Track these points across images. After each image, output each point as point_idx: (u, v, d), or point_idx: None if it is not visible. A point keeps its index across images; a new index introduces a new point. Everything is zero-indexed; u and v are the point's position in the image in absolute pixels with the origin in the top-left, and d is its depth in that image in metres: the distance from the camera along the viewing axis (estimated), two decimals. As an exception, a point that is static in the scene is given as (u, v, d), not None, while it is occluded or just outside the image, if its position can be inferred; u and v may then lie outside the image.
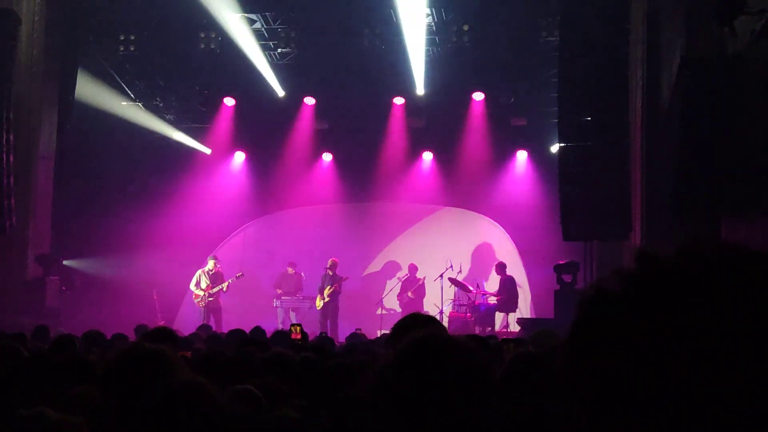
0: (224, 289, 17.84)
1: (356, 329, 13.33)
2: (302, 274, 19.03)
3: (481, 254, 19.64)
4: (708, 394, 0.78)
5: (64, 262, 18.03)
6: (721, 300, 0.81)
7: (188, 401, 2.38)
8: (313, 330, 16.19)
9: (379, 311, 18.82)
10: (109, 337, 8.92)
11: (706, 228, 9.21)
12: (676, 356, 0.80)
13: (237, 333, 8.61)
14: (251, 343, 6.45)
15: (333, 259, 18.35)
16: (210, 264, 18.12)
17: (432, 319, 3.66)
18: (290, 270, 18.99)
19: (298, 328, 7.94)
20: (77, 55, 18.16)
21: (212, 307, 17.79)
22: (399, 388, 2.30)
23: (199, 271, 18.11)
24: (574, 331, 0.90)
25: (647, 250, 0.89)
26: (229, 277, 17.98)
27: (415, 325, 3.39)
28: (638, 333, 0.82)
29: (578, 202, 13.63)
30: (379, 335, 12.65)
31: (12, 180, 14.76)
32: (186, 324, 17.05)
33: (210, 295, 17.74)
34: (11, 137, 14.76)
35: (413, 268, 18.90)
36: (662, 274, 0.85)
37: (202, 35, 18.09)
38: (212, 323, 17.19)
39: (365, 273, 19.81)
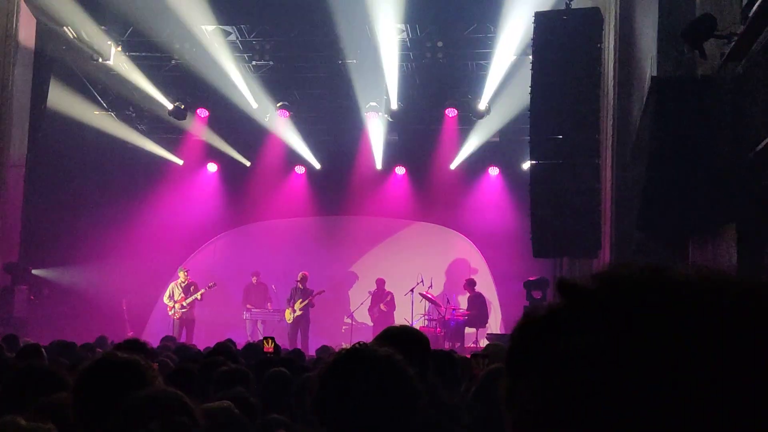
0: (199, 298, 17.75)
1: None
2: (273, 286, 18.99)
3: (453, 269, 19.71)
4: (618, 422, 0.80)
5: (33, 271, 17.86)
6: (634, 327, 0.82)
7: (165, 411, 2.39)
8: (282, 343, 16.16)
9: (348, 324, 18.83)
10: (77, 346, 8.87)
11: (673, 247, 9.32)
12: (589, 382, 0.81)
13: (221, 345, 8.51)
14: (219, 354, 6.44)
15: (303, 272, 18.32)
16: (181, 276, 18.04)
17: (412, 331, 3.66)
18: (254, 279, 18.97)
19: (270, 341, 7.92)
20: (50, 64, 18.07)
21: (186, 319, 17.70)
22: (323, 402, 2.33)
23: (172, 284, 18.04)
24: (506, 359, 0.92)
25: (566, 278, 0.90)
26: (201, 287, 17.90)
27: (394, 338, 3.42)
28: (555, 359, 0.84)
29: (549, 219, 13.71)
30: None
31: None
32: (155, 335, 16.92)
33: (183, 306, 17.65)
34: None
35: (381, 282, 18.93)
36: (579, 302, 0.86)
37: (176, 46, 18.05)
38: (184, 335, 17.13)
39: (335, 286, 19.79)
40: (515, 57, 17.02)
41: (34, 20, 17.20)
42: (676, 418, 0.78)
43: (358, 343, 2.51)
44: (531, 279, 15.33)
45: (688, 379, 0.79)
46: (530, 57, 14.50)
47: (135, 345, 5.40)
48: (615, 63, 13.55)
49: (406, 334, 3.48)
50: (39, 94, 17.89)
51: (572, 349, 0.83)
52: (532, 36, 14.22)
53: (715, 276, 0.86)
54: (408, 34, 17.34)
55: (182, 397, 2.51)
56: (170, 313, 17.74)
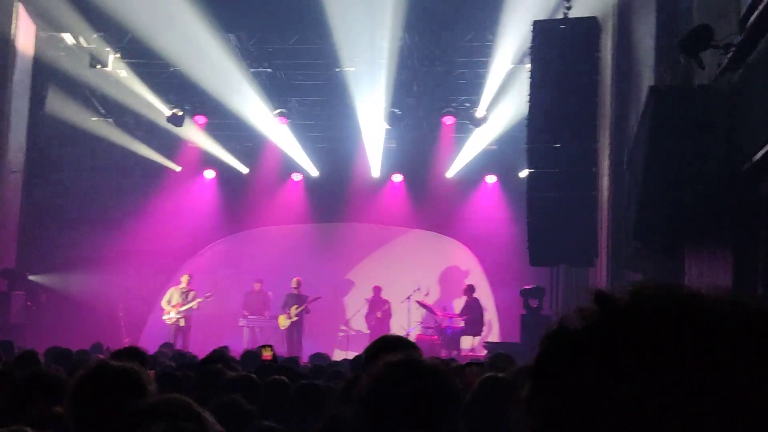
0: (194, 306, 17.74)
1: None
2: (270, 293, 18.97)
3: (450, 277, 19.71)
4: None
5: (30, 277, 17.85)
6: (673, 342, 0.85)
7: (171, 418, 2.39)
8: (278, 350, 16.15)
9: (344, 332, 18.85)
10: (73, 352, 8.87)
11: (669, 256, 9.34)
12: (627, 396, 0.84)
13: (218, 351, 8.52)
14: (216, 362, 6.43)
15: (297, 278, 18.31)
16: (183, 281, 18.02)
17: (406, 341, 3.70)
18: (257, 286, 18.94)
19: (269, 349, 7.92)
20: (48, 71, 18.09)
21: (181, 326, 17.66)
22: (376, 410, 2.36)
23: (172, 289, 18.02)
24: (536, 364, 0.94)
25: (604, 291, 0.93)
26: (200, 296, 17.88)
27: (390, 347, 3.45)
28: (592, 371, 0.87)
29: (545, 227, 13.73)
30: (351, 357, 12.65)
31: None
32: (152, 341, 16.92)
33: (180, 313, 17.63)
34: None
35: (377, 290, 18.94)
36: (618, 315, 0.89)
37: (175, 53, 18.05)
38: (179, 341, 17.10)
39: (332, 294, 19.77)
40: (513, 65, 17.05)
41: (33, 26, 17.22)
42: None
43: (409, 353, 2.56)
44: (527, 287, 15.34)
45: (717, 403, 0.83)
46: (528, 65, 14.55)
47: (132, 353, 5.40)
48: (613, 72, 13.61)
49: (400, 344, 3.50)
50: (37, 100, 17.91)
51: (605, 367, 0.86)
52: (530, 44, 14.27)
53: (739, 301, 0.89)
54: (406, 42, 17.37)
55: (191, 404, 2.52)
56: (165, 317, 17.71)
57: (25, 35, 17.20)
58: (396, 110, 18.87)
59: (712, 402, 0.83)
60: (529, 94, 14.22)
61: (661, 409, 0.84)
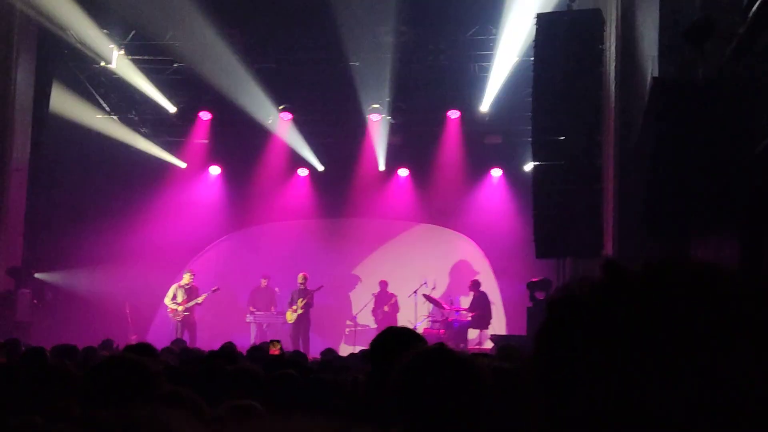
0: (199, 302, 17.76)
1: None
2: (276, 289, 18.99)
3: (456, 271, 19.71)
4: (667, 401, 0.83)
5: (36, 275, 17.88)
6: (682, 309, 0.86)
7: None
8: (285, 345, 16.16)
9: (351, 327, 18.87)
10: (80, 349, 8.88)
11: (676, 246, 9.32)
12: (635, 362, 0.85)
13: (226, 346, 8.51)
14: (222, 357, 6.45)
15: (303, 273, 18.32)
16: (186, 278, 18.04)
17: (413, 333, 3.71)
18: (264, 282, 18.96)
19: (277, 345, 7.94)
20: (52, 68, 18.11)
21: (187, 322, 17.68)
22: (409, 399, 2.37)
23: (175, 286, 18.03)
24: (541, 329, 0.94)
25: (613, 260, 0.93)
26: (204, 291, 17.91)
27: (396, 338, 3.46)
28: (602, 338, 0.87)
29: (551, 219, 13.72)
30: (357, 351, 12.66)
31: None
32: (159, 339, 16.95)
33: (185, 309, 17.65)
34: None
35: (384, 284, 18.94)
36: (627, 283, 0.90)
37: (179, 49, 18.06)
38: (186, 338, 17.11)
39: (338, 289, 19.78)
40: (517, 58, 17.02)
41: (36, 24, 17.22)
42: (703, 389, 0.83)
43: (440, 343, 2.59)
44: (534, 280, 15.35)
45: (722, 366, 0.83)
46: (532, 58, 14.53)
47: (143, 349, 5.41)
48: (617, 64, 13.57)
49: (407, 336, 3.51)
50: (41, 98, 17.92)
51: (612, 324, 0.87)
52: (533, 38, 14.24)
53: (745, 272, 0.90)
54: (410, 36, 17.34)
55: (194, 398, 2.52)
56: (171, 315, 17.73)
57: (27, 33, 17.21)
58: (401, 104, 18.84)
59: (717, 365, 0.83)
60: (533, 87, 14.20)
61: (665, 373, 0.84)
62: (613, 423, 0.85)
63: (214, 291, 17.88)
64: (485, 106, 18.51)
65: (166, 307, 17.90)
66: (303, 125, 19.81)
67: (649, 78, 10.03)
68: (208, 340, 16.17)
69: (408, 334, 3.55)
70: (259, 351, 8.53)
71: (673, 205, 7.90)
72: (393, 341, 3.46)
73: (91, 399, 3.01)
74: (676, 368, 0.84)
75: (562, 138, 13.64)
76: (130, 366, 3.03)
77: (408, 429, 2.36)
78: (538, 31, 13.99)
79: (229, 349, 7.78)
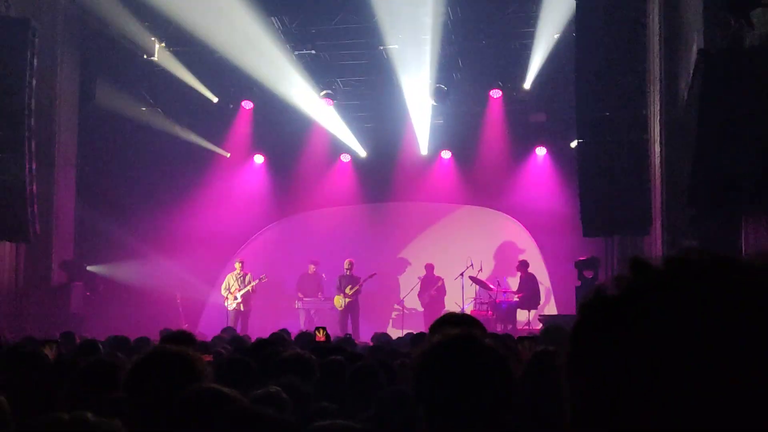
0: (251, 290, 17.92)
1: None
2: (323, 275, 19.08)
3: (503, 252, 19.61)
4: (696, 396, 0.84)
5: (88, 268, 18.18)
6: (708, 305, 0.86)
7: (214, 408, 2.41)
8: (334, 331, 16.27)
9: (398, 310, 18.91)
10: (132, 340, 9.01)
11: (725, 221, 9.17)
12: (665, 359, 0.85)
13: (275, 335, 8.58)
14: (271, 345, 6.49)
15: (349, 260, 18.38)
16: (237, 267, 18.22)
17: (471, 319, 3.65)
18: (312, 268, 19.05)
19: (322, 331, 7.99)
20: (96, 63, 18.33)
21: (240, 311, 17.85)
22: (425, 387, 2.36)
23: (229, 275, 18.23)
24: (574, 332, 0.95)
25: (640, 258, 0.94)
26: (254, 278, 18.07)
27: (453, 324, 3.42)
28: (631, 336, 0.88)
29: (598, 197, 13.60)
30: (403, 335, 12.68)
31: (35, 188, 14.91)
32: (210, 327, 17.17)
33: (236, 298, 17.82)
34: (33, 145, 14.90)
35: (430, 267, 18.93)
36: (654, 280, 0.90)
37: (219, 39, 18.14)
38: (239, 325, 17.30)
39: (384, 273, 19.79)
40: (558, 35, 16.83)
41: (79, 21, 17.43)
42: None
43: (465, 330, 2.55)
44: (582, 258, 15.23)
45: (753, 364, 0.84)
46: (574, 34, 14.36)
47: (183, 337, 5.45)
48: (660, 37, 13.35)
49: (465, 321, 3.47)
50: (86, 93, 18.16)
51: (639, 332, 0.88)
52: (574, 12, 14.08)
53: None
54: (449, 16, 17.23)
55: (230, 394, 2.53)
56: (226, 304, 17.93)
57: (71, 29, 17.43)
58: (442, 86, 18.75)
59: (747, 363, 0.83)
60: (576, 63, 14.05)
61: (696, 372, 0.84)
62: (642, 424, 0.86)
63: (261, 280, 18.04)
64: (528, 84, 18.34)
65: (220, 296, 18.11)
66: (344, 111, 19.81)
67: (694, 50, 9.85)
68: (258, 328, 16.33)
69: (467, 320, 3.50)
70: (306, 337, 8.59)
71: (721, 179, 7.77)
72: (450, 327, 3.40)
73: (133, 393, 3.04)
74: (706, 369, 0.84)
75: (607, 114, 13.49)
76: (174, 358, 3.05)
77: (427, 417, 2.34)
78: (578, 5, 13.83)
79: (279, 336, 7.84)
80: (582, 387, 0.92)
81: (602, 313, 0.92)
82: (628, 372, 0.87)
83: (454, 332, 2.48)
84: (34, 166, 14.90)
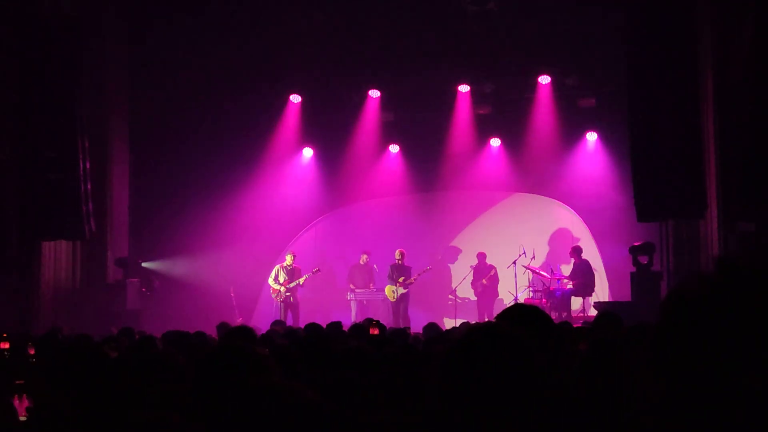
0: (300, 283, 18.02)
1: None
2: (374, 266, 19.10)
3: (556, 239, 19.43)
4: None
5: (143, 264, 18.43)
6: None
7: (281, 403, 2.40)
8: (387, 322, 16.28)
9: (452, 300, 18.86)
10: (191, 335, 9.08)
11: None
12: (754, 356, 0.86)
13: (313, 327, 8.63)
14: (327, 337, 6.51)
15: (400, 250, 18.40)
16: (288, 259, 18.31)
17: (536, 310, 3.55)
18: (364, 258, 19.07)
19: (375, 324, 8.00)
20: (144, 62, 18.56)
21: (290, 303, 17.97)
22: (448, 376, 2.32)
23: (277, 266, 18.33)
24: (660, 330, 0.92)
25: (727, 257, 0.95)
26: (305, 272, 18.15)
27: (520, 317, 3.36)
28: (719, 333, 0.89)
29: (651, 181, 13.42)
30: (458, 324, 12.64)
31: (90, 186, 15.14)
32: (264, 320, 17.29)
33: (287, 290, 17.93)
34: (86, 143, 15.13)
35: (482, 256, 18.84)
36: (741, 280, 0.91)
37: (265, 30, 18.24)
38: (290, 318, 17.41)
39: (436, 262, 19.76)
40: (606, 16, 16.59)
41: (126, 25, 17.62)
42: None
43: (493, 320, 2.51)
44: (636, 244, 15.03)
45: None
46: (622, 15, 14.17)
47: (243, 332, 5.48)
48: (711, 15, 13.13)
49: (531, 313, 3.40)
50: (136, 92, 18.39)
51: (729, 323, 0.89)
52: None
53: None
54: (494, 4, 17.10)
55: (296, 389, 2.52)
56: (273, 296, 18.04)
57: (117, 24, 17.64)
58: (489, 73, 18.62)
59: None
60: (626, 45, 13.87)
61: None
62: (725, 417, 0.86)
63: (315, 272, 18.12)
64: (576, 68, 18.12)
65: (270, 287, 18.22)
66: (391, 101, 19.78)
67: (748, 26, 9.66)
68: (309, 320, 16.38)
69: (533, 312, 3.42)
70: (360, 329, 8.59)
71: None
72: (517, 319, 3.34)
73: (200, 387, 3.05)
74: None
75: (658, 95, 13.29)
76: (241, 354, 3.05)
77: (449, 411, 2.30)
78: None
79: (335, 327, 7.86)
80: (670, 382, 0.91)
81: (687, 311, 0.93)
82: (717, 368, 0.87)
83: (479, 324, 2.44)
84: (87, 165, 15.13)
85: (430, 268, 18.20)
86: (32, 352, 8.01)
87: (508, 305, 13.24)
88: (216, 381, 2.97)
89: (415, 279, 18.08)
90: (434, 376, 2.35)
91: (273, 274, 18.21)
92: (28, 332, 12.15)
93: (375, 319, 10.25)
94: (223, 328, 11.11)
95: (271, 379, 2.70)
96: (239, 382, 2.72)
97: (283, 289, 17.93)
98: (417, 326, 14.78)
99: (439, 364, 2.34)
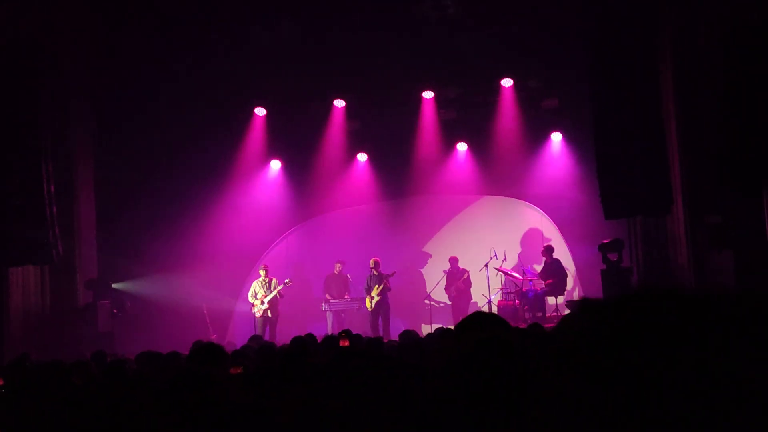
0: (278, 295, 17.90)
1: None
2: (348, 275, 19.07)
3: (526, 240, 19.51)
4: None
5: (113, 286, 18.25)
6: (648, 342, 0.90)
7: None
8: (365, 330, 16.25)
9: (427, 304, 18.88)
10: (163, 356, 9.01)
11: (749, 195, 9.08)
12: (607, 393, 0.89)
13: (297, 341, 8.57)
14: (296, 352, 6.46)
15: (375, 258, 18.39)
16: (262, 273, 18.23)
17: (496, 318, 3.59)
18: (338, 267, 19.04)
19: (345, 335, 7.98)
20: (108, 79, 18.42)
21: (269, 316, 17.86)
22: (454, 386, 2.33)
23: (254, 282, 18.24)
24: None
25: (589, 300, 1.02)
26: (279, 284, 18.06)
27: (479, 324, 3.37)
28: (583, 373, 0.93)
29: (617, 179, 13.51)
30: (432, 330, 12.65)
31: (55, 209, 14.99)
32: (239, 335, 17.22)
33: (266, 304, 17.82)
34: (50, 167, 14.99)
35: (454, 260, 18.89)
36: (599, 321, 0.96)
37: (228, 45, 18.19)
38: (267, 332, 17.33)
39: (409, 268, 19.77)
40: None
41: (86, 33, 17.49)
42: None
43: (493, 331, 2.52)
44: (605, 241, 15.13)
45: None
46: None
47: (212, 352, 5.43)
48: (671, 10, 13.25)
49: (489, 322, 3.42)
50: (99, 108, 18.26)
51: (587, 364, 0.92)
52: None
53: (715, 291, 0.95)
54: (454, 9, 17.15)
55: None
56: (254, 311, 17.92)
57: (76, 44, 17.51)
58: (451, 78, 18.68)
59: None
60: (586, 45, 13.96)
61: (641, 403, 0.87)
62: None
63: (286, 284, 18.03)
64: (538, 70, 18.21)
65: (247, 304, 18.14)
66: (357, 109, 19.77)
67: (709, 24, 9.75)
68: (286, 333, 16.33)
69: (491, 320, 3.44)
70: (331, 341, 8.56)
71: (748, 151, 7.69)
72: (478, 327, 3.35)
73: (165, 415, 3.02)
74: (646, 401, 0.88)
75: (620, 93, 13.39)
76: (197, 380, 3.03)
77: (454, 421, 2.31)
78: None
79: (300, 343, 7.81)
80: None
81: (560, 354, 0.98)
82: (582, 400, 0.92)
83: (479, 336, 2.45)
84: (52, 188, 14.98)
85: (395, 273, 18.16)
86: (0, 382, 7.89)
87: (482, 308, 13.30)
88: (176, 408, 2.94)
89: (385, 285, 18.02)
90: (441, 387, 2.38)
91: (251, 291, 18.12)
92: (-1, 361, 12.01)
93: (351, 329, 10.25)
94: (197, 346, 11.04)
95: (230, 404, 2.68)
96: (198, 408, 2.70)
97: (259, 303, 17.82)
98: (396, 333, 14.79)
99: (448, 376, 2.36)
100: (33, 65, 14.87)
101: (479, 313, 3.73)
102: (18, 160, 14.67)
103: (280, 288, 17.95)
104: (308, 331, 11.52)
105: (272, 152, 20.60)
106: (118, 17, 17.61)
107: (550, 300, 17.22)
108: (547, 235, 19.15)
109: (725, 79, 7.88)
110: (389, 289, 18.11)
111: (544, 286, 17.19)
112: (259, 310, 17.81)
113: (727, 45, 7.92)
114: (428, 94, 19.38)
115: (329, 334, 13.25)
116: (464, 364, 2.36)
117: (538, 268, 18.14)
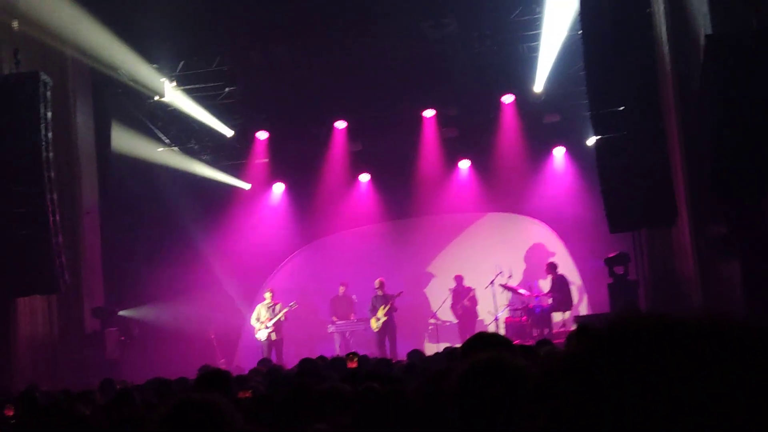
0: (282, 318, 17.85)
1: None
2: (353, 296, 19.04)
3: (532, 256, 19.48)
4: None
5: (120, 313, 18.24)
6: (642, 369, 0.91)
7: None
8: (372, 351, 16.22)
9: (433, 324, 18.84)
10: (172, 382, 9.00)
11: (750, 202, 9.07)
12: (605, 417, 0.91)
13: (306, 363, 8.56)
14: (306, 377, 6.45)
15: (380, 279, 18.34)
16: (267, 297, 18.18)
17: (500, 339, 3.63)
18: (342, 289, 19.01)
19: (354, 358, 7.97)
20: (109, 109, 18.49)
21: (274, 340, 17.81)
22: (463, 409, 2.34)
23: (258, 306, 18.19)
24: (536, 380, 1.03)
25: (586, 324, 1.04)
26: (284, 307, 18.01)
27: (484, 345, 3.39)
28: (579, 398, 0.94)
29: (621, 192, 13.47)
30: (442, 349, 12.62)
31: (61, 238, 15.01)
32: (247, 360, 17.17)
33: (269, 327, 17.76)
34: (55, 196, 15.02)
35: (459, 279, 18.87)
36: (595, 347, 0.97)
37: (228, 72, 18.28)
38: (273, 355, 17.28)
39: (415, 288, 19.73)
40: (566, 33, 16.75)
41: (88, 68, 17.58)
42: None
43: (496, 352, 2.54)
44: (611, 255, 15.09)
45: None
46: (581, 32, 14.29)
47: (216, 379, 5.41)
48: (667, 26, 13.27)
49: (494, 343, 3.44)
50: (102, 139, 18.31)
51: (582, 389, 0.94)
52: (578, 10, 14.02)
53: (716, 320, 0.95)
54: (455, 27, 17.22)
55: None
56: (257, 335, 17.87)
57: (81, 78, 17.58)
58: (453, 96, 18.74)
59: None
60: (585, 60, 13.98)
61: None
62: None
63: (291, 307, 17.95)
64: (539, 86, 18.25)
65: (253, 328, 18.09)
66: (358, 130, 19.83)
67: (702, 36, 9.76)
68: (293, 355, 16.32)
69: (497, 341, 3.47)
70: (341, 362, 8.54)
71: (741, 164, 7.69)
72: (481, 348, 3.38)
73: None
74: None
75: (621, 108, 13.40)
76: (200, 410, 3.00)
77: None
78: (582, 2, 13.77)
79: (312, 365, 7.80)
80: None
81: (548, 372, 1.00)
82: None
83: (485, 356, 2.47)
84: (57, 218, 15.00)
85: (402, 292, 18.10)
86: (11, 413, 7.89)
87: (489, 326, 13.25)
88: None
89: (391, 305, 17.95)
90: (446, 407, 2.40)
91: (255, 314, 18.07)
92: (8, 391, 11.99)
93: (357, 350, 10.24)
94: (203, 371, 11.02)
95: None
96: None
97: (263, 327, 17.77)
98: (403, 353, 14.75)
99: (452, 397, 2.38)
100: (34, 95, 14.91)
101: (481, 334, 3.75)
102: (24, 190, 14.70)
103: (285, 311, 17.89)
104: (316, 353, 11.53)
105: (275, 175, 20.67)
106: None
107: (557, 316, 17.18)
108: (552, 250, 19.12)
109: (715, 89, 7.90)
110: (395, 310, 18.05)
111: (549, 302, 17.15)
112: (263, 333, 17.75)
113: (709, 58, 7.94)
114: (429, 113, 19.45)
115: (337, 355, 13.23)
116: (458, 386, 2.38)
117: (543, 283, 18.10)
